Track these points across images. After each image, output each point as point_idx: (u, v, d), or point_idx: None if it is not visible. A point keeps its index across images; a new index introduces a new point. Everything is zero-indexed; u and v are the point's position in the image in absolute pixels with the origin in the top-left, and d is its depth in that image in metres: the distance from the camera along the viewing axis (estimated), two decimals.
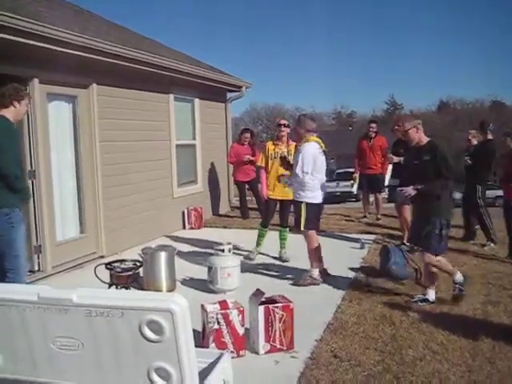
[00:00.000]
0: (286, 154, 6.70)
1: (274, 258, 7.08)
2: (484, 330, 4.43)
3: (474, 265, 6.72)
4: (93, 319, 2.05)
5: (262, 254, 7.20)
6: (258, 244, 7.12)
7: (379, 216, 10.09)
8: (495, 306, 5.11)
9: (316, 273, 5.89)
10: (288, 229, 7.03)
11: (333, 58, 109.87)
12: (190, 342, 2.07)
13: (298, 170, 5.73)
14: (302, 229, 5.85)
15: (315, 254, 5.91)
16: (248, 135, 10.46)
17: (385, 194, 10.35)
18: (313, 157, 5.75)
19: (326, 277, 5.94)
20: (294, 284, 5.86)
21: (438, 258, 5.08)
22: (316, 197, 5.83)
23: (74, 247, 6.88)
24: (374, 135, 10.16)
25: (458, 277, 5.15)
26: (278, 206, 7.11)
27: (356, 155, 10.62)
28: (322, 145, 5.92)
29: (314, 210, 5.86)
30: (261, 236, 7.11)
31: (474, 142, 8.45)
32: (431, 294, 5.14)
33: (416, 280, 5.78)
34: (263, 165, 7.00)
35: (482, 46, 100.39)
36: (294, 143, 6.83)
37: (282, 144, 6.84)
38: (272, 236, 7.23)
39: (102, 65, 6.96)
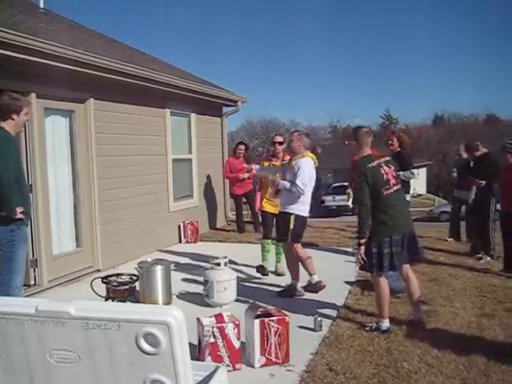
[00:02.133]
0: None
1: (271, 272, 7.07)
2: (479, 343, 4.46)
3: (469, 278, 6.74)
4: (90, 332, 2.07)
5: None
6: (264, 257, 6.99)
7: None
8: (490, 319, 5.14)
9: (299, 284, 6.00)
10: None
11: (329, 73, 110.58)
12: (186, 354, 2.08)
13: (298, 183, 5.75)
14: (289, 241, 5.91)
15: (297, 267, 6.02)
16: (243, 147, 10.56)
17: None
18: (309, 171, 5.86)
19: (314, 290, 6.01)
20: (277, 294, 5.94)
21: (380, 280, 4.80)
22: (306, 210, 5.95)
23: (71, 261, 6.88)
24: None
25: (385, 324, 4.81)
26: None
27: (350, 172, 10.69)
28: (316, 161, 6.08)
29: (302, 222, 5.95)
30: (265, 251, 6.99)
31: (465, 155, 8.59)
32: (385, 323, 4.80)
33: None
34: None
35: (477, 60, 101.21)
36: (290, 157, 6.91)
37: (277, 160, 6.85)
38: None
39: (98, 79, 7.02)
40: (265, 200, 6.91)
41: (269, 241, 6.99)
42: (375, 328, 4.83)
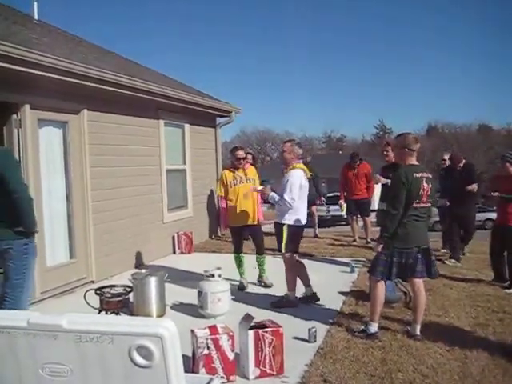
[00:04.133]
0: (244, 178, 6.82)
1: (263, 284, 7.04)
2: (473, 352, 4.46)
3: (463, 288, 6.76)
4: (82, 345, 2.05)
5: (250, 282, 7.07)
6: (241, 273, 7.00)
7: (369, 240, 10.15)
8: (484, 328, 5.14)
9: (292, 295, 6.00)
10: (264, 256, 6.98)
11: (322, 82, 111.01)
12: (179, 366, 2.07)
13: (285, 196, 5.81)
14: (283, 251, 5.95)
15: (293, 278, 6.03)
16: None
17: (373, 218, 10.46)
18: (299, 184, 5.88)
19: (308, 301, 6.04)
20: (271, 305, 5.93)
21: (377, 284, 4.89)
22: (298, 220, 5.94)
23: (64, 272, 6.85)
24: (358, 164, 10.40)
25: (373, 328, 4.88)
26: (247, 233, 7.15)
27: (341, 182, 10.79)
28: (307, 172, 6.12)
29: (296, 232, 5.96)
30: (239, 265, 6.97)
31: (448, 162, 8.91)
32: (373, 326, 4.88)
33: (405, 303, 5.81)
34: (222, 194, 6.97)
35: (470, 70, 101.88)
36: (251, 166, 7.08)
37: (240, 170, 6.87)
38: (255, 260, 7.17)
39: (92, 90, 7.02)
40: (233, 214, 6.84)
41: (241, 255, 6.97)
42: (362, 330, 4.90)
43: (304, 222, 6.05)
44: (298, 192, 5.84)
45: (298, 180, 5.88)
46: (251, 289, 6.86)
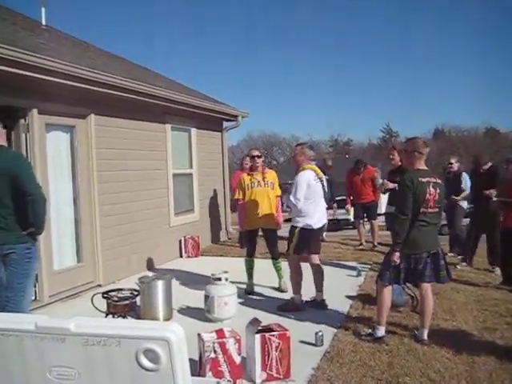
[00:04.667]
0: (262, 181, 6.82)
1: (272, 287, 7.03)
2: (481, 357, 4.43)
3: (471, 292, 6.73)
4: (90, 348, 2.06)
5: (257, 284, 7.05)
6: (250, 277, 6.98)
7: (375, 243, 10.14)
8: (492, 332, 5.12)
9: (298, 298, 6.00)
10: (279, 261, 6.91)
11: (329, 86, 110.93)
12: (186, 370, 2.07)
13: (291, 197, 5.86)
14: (291, 254, 5.97)
15: (297, 280, 6.04)
16: (248, 159, 10.57)
17: (380, 222, 10.48)
18: (307, 184, 5.86)
19: (314, 305, 6.04)
20: (277, 309, 5.93)
21: (384, 289, 4.89)
22: (311, 223, 5.90)
23: (71, 276, 6.87)
24: (362, 170, 10.42)
25: (380, 332, 4.90)
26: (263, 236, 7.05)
27: (347, 187, 10.79)
28: (319, 173, 6.04)
29: (308, 235, 5.93)
30: (249, 268, 6.96)
31: (455, 167, 8.94)
32: (380, 330, 4.90)
33: (412, 307, 5.80)
34: (240, 197, 6.97)
35: (476, 73, 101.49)
36: (270, 170, 7.06)
37: (257, 173, 6.88)
38: (264, 264, 7.16)
39: (99, 95, 7.06)
40: (249, 217, 6.85)
41: (252, 258, 6.95)
42: (369, 333, 4.91)
43: (317, 225, 5.97)
44: (304, 192, 5.83)
45: (304, 180, 5.87)
46: (259, 292, 6.86)
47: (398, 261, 4.71)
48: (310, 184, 5.89)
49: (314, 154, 6.27)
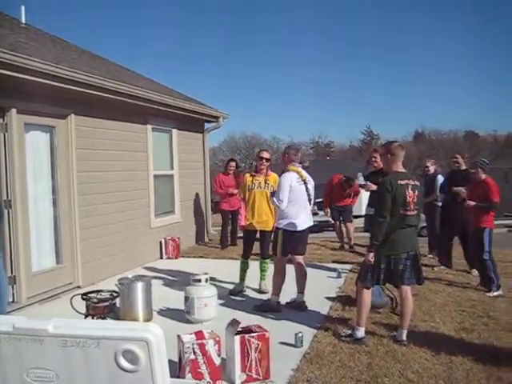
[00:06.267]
0: (263, 184, 6.80)
1: (253, 289, 7.03)
2: (458, 357, 4.49)
3: (449, 293, 6.80)
4: (68, 349, 2.05)
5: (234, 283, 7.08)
6: (242, 279, 6.97)
7: (352, 244, 10.26)
8: (469, 333, 5.18)
9: (275, 299, 6.02)
10: (268, 260, 6.93)
11: (310, 88, 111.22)
12: (165, 371, 2.07)
13: (274, 198, 5.90)
14: (278, 255, 5.99)
15: (279, 282, 6.04)
16: (234, 164, 10.80)
17: (357, 223, 10.65)
18: (289, 186, 5.87)
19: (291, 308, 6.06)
20: (253, 308, 5.97)
21: (364, 290, 4.93)
22: (294, 224, 5.91)
23: (50, 278, 6.81)
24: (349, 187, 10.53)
25: (359, 333, 4.93)
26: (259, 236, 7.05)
27: (326, 191, 10.85)
28: (303, 174, 6.04)
29: (291, 237, 5.94)
30: (242, 270, 6.96)
31: (432, 170, 9.04)
32: (360, 331, 4.92)
33: (391, 309, 5.85)
34: (242, 196, 7.04)
35: (457, 77, 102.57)
36: (273, 173, 6.96)
37: (260, 176, 6.88)
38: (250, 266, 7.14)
39: (79, 95, 7.00)
40: (250, 218, 6.86)
41: (247, 260, 6.96)
42: (349, 334, 4.94)
43: (302, 226, 5.97)
44: (287, 193, 5.83)
45: (286, 182, 5.89)
46: (240, 294, 6.86)
47: (373, 260, 4.76)
48: (293, 185, 5.89)
49: (299, 156, 6.28)
